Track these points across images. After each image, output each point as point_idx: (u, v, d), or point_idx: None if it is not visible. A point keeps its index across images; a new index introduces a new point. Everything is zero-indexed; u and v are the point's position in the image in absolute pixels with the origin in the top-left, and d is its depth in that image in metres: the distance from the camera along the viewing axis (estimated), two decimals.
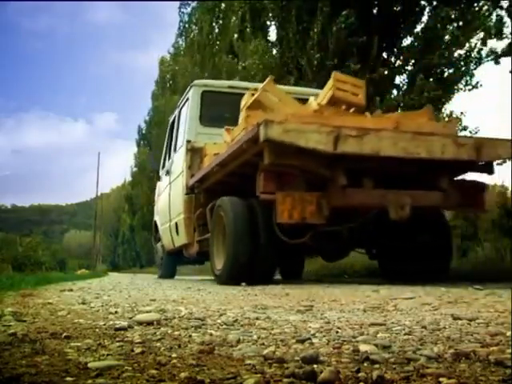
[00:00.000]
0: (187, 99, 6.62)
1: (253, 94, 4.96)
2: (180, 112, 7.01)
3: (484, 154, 4.17)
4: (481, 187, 4.57)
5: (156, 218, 8.46)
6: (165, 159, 7.80)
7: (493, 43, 9.65)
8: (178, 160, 6.63)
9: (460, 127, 10.15)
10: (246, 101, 5.07)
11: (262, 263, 4.53)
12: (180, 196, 6.34)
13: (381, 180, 4.20)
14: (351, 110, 4.96)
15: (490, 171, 4.60)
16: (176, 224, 6.69)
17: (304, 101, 5.15)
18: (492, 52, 7.87)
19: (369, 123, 4.42)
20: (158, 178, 8.50)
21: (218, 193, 5.15)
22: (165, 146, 7.90)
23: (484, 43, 9.16)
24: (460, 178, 4.75)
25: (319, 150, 3.82)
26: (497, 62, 7.11)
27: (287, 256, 5.54)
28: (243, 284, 4.51)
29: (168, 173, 7.37)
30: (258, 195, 4.13)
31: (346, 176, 4.02)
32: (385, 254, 5.48)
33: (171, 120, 7.73)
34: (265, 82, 5.00)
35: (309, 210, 3.97)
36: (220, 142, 5.37)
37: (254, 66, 10.85)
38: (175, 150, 7.04)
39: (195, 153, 6.02)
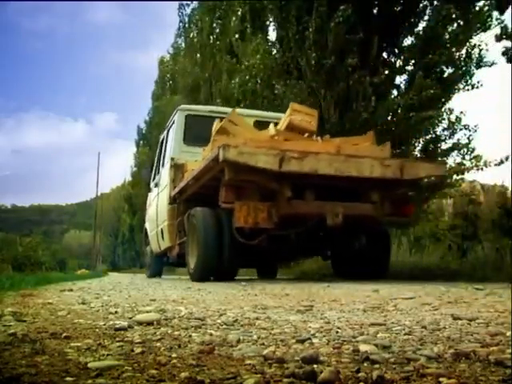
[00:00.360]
0: (173, 122, 7.48)
1: (221, 121, 5.86)
2: (168, 132, 7.89)
3: (406, 173, 5.04)
4: (406, 199, 5.55)
5: (146, 224, 9.43)
6: (155, 173, 8.69)
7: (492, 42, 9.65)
8: (165, 174, 7.50)
9: (460, 126, 10.16)
10: (215, 127, 5.99)
11: (227, 262, 5.39)
12: (165, 205, 7.23)
13: (320, 193, 5.10)
14: (305, 135, 5.83)
15: (415, 187, 5.61)
16: (162, 230, 7.61)
17: (275, 124, 6.00)
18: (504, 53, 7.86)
19: (313, 147, 5.29)
20: (149, 190, 9.36)
21: (193, 203, 5.97)
22: (155, 161, 8.81)
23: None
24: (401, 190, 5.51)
25: (267, 169, 4.74)
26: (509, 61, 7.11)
27: (263, 259, 6.88)
28: (211, 278, 5.53)
29: (156, 185, 8.31)
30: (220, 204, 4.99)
31: (291, 189, 4.95)
32: (335, 257, 6.54)
33: (161, 139, 8.63)
34: (230, 113, 5.96)
35: (261, 217, 4.84)
36: (199, 160, 6.06)
37: (254, 66, 10.84)
38: (163, 165, 7.87)
39: (178, 168, 6.85)
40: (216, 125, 5.98)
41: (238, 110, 7.08)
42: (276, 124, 5.96)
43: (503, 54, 6.53)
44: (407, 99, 9.30)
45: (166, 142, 7.80)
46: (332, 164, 4.88)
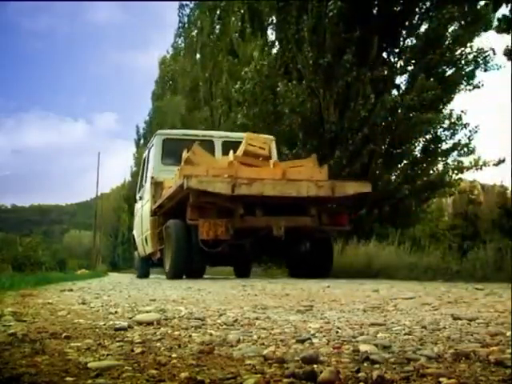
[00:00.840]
0: (153, 144, 8.49)
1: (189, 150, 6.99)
2: (149, 153, 8.86)
3: (336, 191, 6.14)
4: (342, 211, 6.71)
5: (134, 232, 10.50)
6: (139, 187, 9.68)
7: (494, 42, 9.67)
8: (147, 190, 8.55)
9: (461, 126, 10.16)
10: (183, 156, 6.99)
11: (195, 264, 6.76)
12: (148, 217, 8.25)
13: (268, 209, 6.20)
14: (260, 159, 6.87)
15: (346, 203, 6.72)
16: (146, 237, 8.64)
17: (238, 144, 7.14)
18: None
19: (264, 172, 6.46)
20: (135, 201, 10.46)
21: (169, 216, 7.09)
22: (139, 176, 9.86)
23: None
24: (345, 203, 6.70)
25: (223, 194, 5.89)
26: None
27: (237, 261, 8.30)
28: (184, 277, 6.85)
29: (141, 198, 9.34)
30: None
31: (243, 208, 6.07)
32: (288, 260, 7.66)
33: (143, 158, 9.67)
34: (193, 146, 7.00)
35: (220, 231, 5.96)
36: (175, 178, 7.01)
37: (253, 69, 10.85)
38: (145, 181, 8.81)
39: (157, 185, 7.82)
40: (184, 154, 7.00)
41: (209, 132, 8.96)
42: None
43: (505, 53, 6.52)
44: (408, 99, 9.30)
45: (148, 162, 8.75)
46: (275, 187, 6.02)
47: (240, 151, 6.82)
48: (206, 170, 6.38)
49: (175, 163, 7.38)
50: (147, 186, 8.45)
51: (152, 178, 8.02)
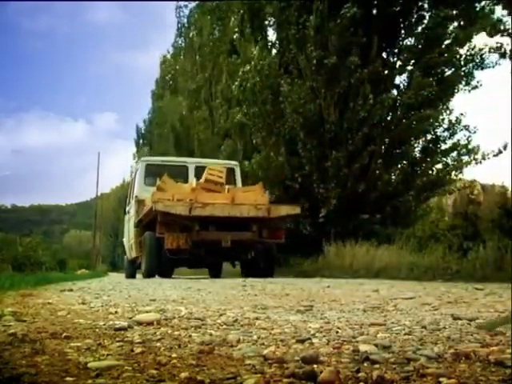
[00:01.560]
0: (137, 169, 10.29)
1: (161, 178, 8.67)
2: (135, 175, 10.65)
3: (271, 213, 7.70)
4: (279, 228, 8.18)
5: (123, 239, 12.38)
6: (128, 202, 11.25)
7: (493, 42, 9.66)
8: (132, 206, 10.17)
9: (460, 127, 10.17)
10: (157, 184, 8.55)
11: (164, 266, 8.47)
12: (132, 228, 9.94)
13: (219, 226, 7.71)
14: (218, 185, 8.38)
15: (280, 223, 8.09)
16: (131, 244, 10.30)
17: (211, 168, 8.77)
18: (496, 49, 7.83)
19: (217, 197, 8.01)
20: (125, 213, 11.92)
21: (146, 229, 8.62)
22: (128, 193, 11.52)
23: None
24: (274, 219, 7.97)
25: (182, 214, 7.43)
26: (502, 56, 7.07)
27: (210, 264, 10.25)
28: (156, 276, 8.41)
29: (128, 212, 11.05)
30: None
31: (199, 225, 7.64)
32: (242, 264, 9.43)
33: (131, 178, 11.74)
34: (163, 178, 8.53)
35: (181, 242, 7.64)
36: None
37: (253, 68, 10.85)
38: (132, 198, 10.39)
39: (140, 203, 9.29)
40: (158, 182, 8.55)
41: (184, 159, 11.04)
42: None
43: (496, 49, 6.51)
44: (406, 98, 9.31)
45: (134, 182, 10.43)
46: (224, 209, 7.60)
47: (203, 178, 8.44)
48: (173, 195, 8.01)
49: (155, 184, 8.80)
50: (132, 202, 10.07)
51: (136, 196, 9.64)
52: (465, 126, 10.05)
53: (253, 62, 10.76)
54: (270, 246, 8.18)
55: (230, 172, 9.49)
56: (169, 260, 8.05)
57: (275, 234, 8.03)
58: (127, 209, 11.15)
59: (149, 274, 8.25)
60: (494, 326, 1.78)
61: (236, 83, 11.79)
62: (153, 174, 9.44)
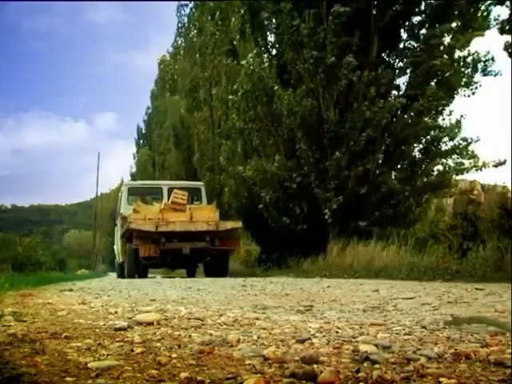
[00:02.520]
0: (122, 191, 12.50)
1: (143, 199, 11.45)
2: (121, 195, 12.50)
3: (219, 227, 9.52)
4: (231, 238, 9.98)
5: (114, 246, 14.14)
6: (116, 216, 12.87)
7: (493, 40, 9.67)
8: (118, 220, 12.17)
9: (459, 129, 10.18)
10: (133, 206, 10.74)
11: (141, 269, 10.19)
12: (119, 238, 11.87)
13: (180, 238, 9.49)
14: (181, 205, 10.40)
15: (230, 234, 9.78)
16: (119, 251, 12.37)
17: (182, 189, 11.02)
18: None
19: (180, 215, 10.01)
20: (115, 225, 13.55)
21: (128, 240, 10.30)
22: (116, 208, 13.06)
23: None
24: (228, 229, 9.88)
25: (151, 231, 9.34)
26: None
27: (187, 265, 12.46)
28: (136, 276, 10.02)
29: (116, 225, 12.85)
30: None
31: (165, 238, 9.44)
32: (204, 267, 11.29)
33: (119, 196, 13.14)
34: (137, 202, 10.93)
35: (151, 252, 9.51)
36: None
37: (244, 74, 10.84)
38: (119, 213, 12.22)
39: (124, 219, 10.77)
40: (134, 205, 10.81)
41: (158, 182, 14.09)
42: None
43: (505, 49, 6.49)
44: (409, 102, 9.32)
45: (120, 201, 12.33)
46: (183, 225, 9.61)
47: (170, 200, 10.56)
48: (145, 215, 10.16)
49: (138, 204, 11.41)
50: (118, 219, 12.22)
51: (121, 214, 11.64)
52: (463, 138, 10.09)
53: (245, 66, 10.74)
54: (223, 251, 9.98)
55: (197, 191, 11.96)
56: (143, 265, 10.16)
57: (227, 242, 9.91)
58: (116, 221, 13.20)
59: (129, 275, 10.07)
60: (460, 323, 1.89)
61: (230, 97, 11.81)
62: (135, 194, 12.04)
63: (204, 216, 10.00)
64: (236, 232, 10.15)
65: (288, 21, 10.05)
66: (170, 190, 10.99)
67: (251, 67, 10.60)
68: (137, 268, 10.13)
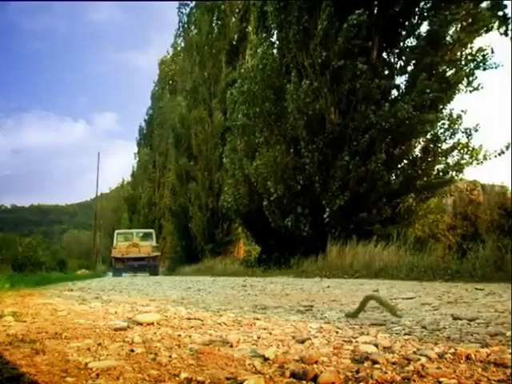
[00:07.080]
0: (116, 233, 21.50)
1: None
2: (116, 235, 21.48)
3: (150, 254, 19.67)
4: (158, 258, 21.22)
5: (112, 255, 21.29)
6: (114, 241, 21.20)
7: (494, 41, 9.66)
8: (113, 247, 20.84)
9: (461, 128, 10.16)
10: (115, 245, 20.95)
11: (122, 271, 20.00)
12: (114, 255, 20.71)
13: (134, 260, 19.71)
14: (136, 244, 20.18)
15: (156, 257, 20.07)
16: (114, 261, 20.94)
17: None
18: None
19: (134, 250, 19.68)
20: (111, 245, 21.67)
21: (114, 259, 20.52)
22: (115, 237, 21.12)
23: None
24: None
25: (121, 256, 19.93)
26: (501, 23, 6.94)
27: (138, 271, 21.11)
28: (124, 275, 18.72)
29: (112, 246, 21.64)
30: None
31: (127, 260, 19.98)
32: (148, 271, 20.57)
33: (114, 236, 22.22)
34: (118, 243, 20.82)
35: (122, 265, 19.93)
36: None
37: (255, 67, 10.83)
38: (114, 243, 20.92)
39: (115, 248, 19.97)
40: (116, 243, 20.21)
41: (131, 230, 22.99)
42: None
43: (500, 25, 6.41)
44: (409, 100, 9.29)
45: (116, 239, 20.59)
46: (135, 254, 19.31)
47: (131, 242, 19.69)
48: (119, 250, 19.14)
49: (122, 240, 20.19)
50: (113, 247, 20.31)
51: (114, 246, 19.94)
52: (466, 130, 10.03)
53: (255, 61, 10.73)
54: (154, 264, 19.30)
55: (150, 233, 20.91)
56: (119, 270, 18.80)
57: (154, 260, 19.41)
58: (113, 244, 21.12)
59: (114, 276, 16.99)
60: (357, 313, 2.13)
61: (236, 84, 11.77)
62: (121, 236, 20.65)
63: (145, 250, 19.24)
64: (158, 256, 20.29)
65: (295, 18, 10.02)
66: (138, 234, 20.89)
67: (264, 61, 10.55)
68: (117, 272, 18.85)
